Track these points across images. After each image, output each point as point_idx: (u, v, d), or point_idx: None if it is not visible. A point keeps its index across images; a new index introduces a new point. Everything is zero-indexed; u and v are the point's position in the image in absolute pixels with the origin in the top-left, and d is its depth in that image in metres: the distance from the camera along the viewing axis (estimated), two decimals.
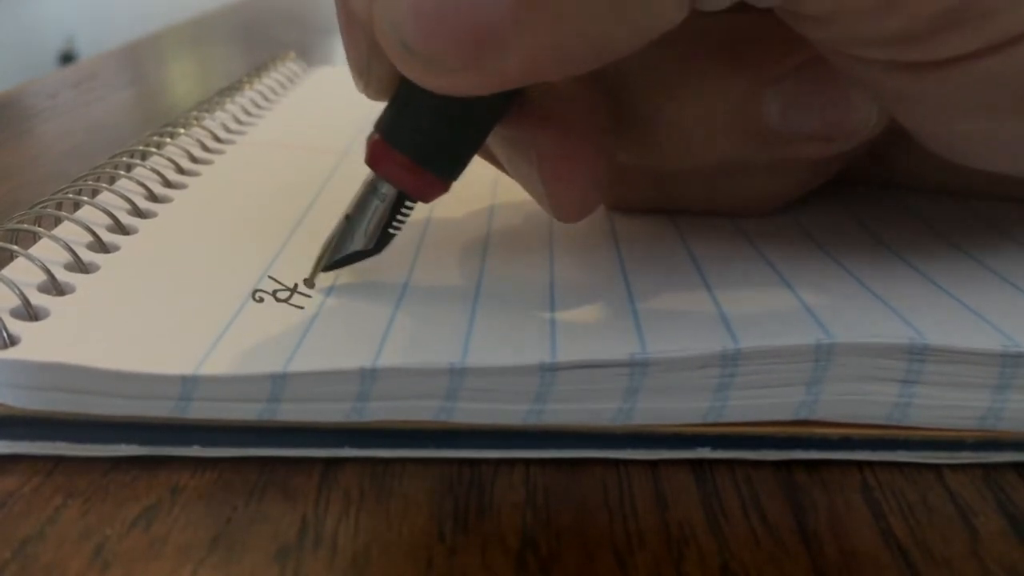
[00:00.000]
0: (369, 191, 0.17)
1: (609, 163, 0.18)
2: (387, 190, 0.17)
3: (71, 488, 0.14)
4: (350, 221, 0.17)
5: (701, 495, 0.14)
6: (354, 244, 0.17)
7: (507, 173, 0.20)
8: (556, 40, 0.14)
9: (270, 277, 0.18)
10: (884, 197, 0.23)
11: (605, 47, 0.14)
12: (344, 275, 0.18)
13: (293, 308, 0.17)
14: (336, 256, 0.18)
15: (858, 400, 0.15)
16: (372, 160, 0.17)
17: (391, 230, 0.17)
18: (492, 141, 0.18)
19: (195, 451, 0.15)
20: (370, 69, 0.16)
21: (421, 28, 0.14)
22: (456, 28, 0.14)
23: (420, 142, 0.16)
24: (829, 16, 0.14)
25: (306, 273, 0.18)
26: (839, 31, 0.15)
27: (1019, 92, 0.15)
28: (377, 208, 0.17)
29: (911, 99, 0.16)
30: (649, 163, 0.20)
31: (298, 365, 0.15)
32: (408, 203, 0.17)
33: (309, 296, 0.17)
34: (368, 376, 0.15)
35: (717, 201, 0.21)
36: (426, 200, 0.17)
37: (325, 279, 0.18)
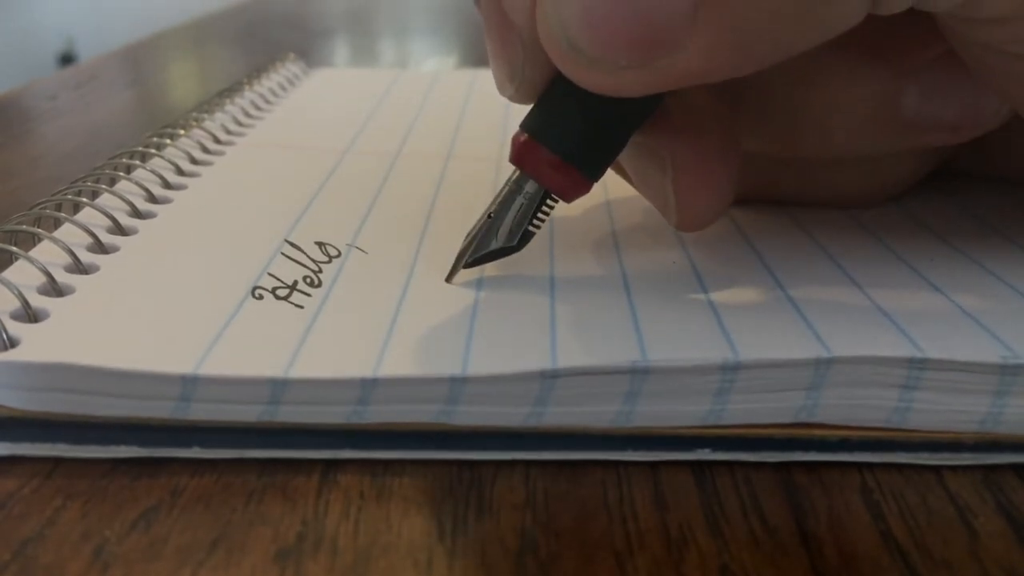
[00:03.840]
0: (513, 189, 0.18)
1: (737, 173, 0.18)
2: (531, 188, 0.17)
3: (71, 490, 0.14)
4: (493, 218, 0.18)
5: (701, 497, 0.14)
6: (497, 241, 0.18)
7: (628, 180, 0.20)
8: (736, 39, 0.14)
9: (270, 274, 0.18)
10: (882, 204, 0.23)
11: (785, 45, 0.14)
12: (341, 281, 0.18)
13: (293, 307, 0.17)
14: (478, 253, 0.18)
15: (858, 404, 0.15)
16: (519, 158, 0.17)
17: (531, 228, 0.18)
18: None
19: (195, 452, 0.15)
20: (523, 72, 0.17)
21: (592, 27, 0.14)
22: (630, 27, 0.14)
23: (568, 141, 0.17)
24: (1007, 17, 0.14)
25: (308, 273, 0.18)
26: (1009, 31, 0.15)
27: None
28: (521, 206, 0.18)
29: None
30: (777, 152, 0.20)
31: (299, 370, 0.15)
32: (549, 202, 0.18)
33: (309, 295, 0.17)
34: (368, 384, 0.15)
35: (832, 191, 0.21)
36: (568, 199, 0.17)
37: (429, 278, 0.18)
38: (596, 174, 0.17)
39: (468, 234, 0.18)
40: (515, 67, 0.17)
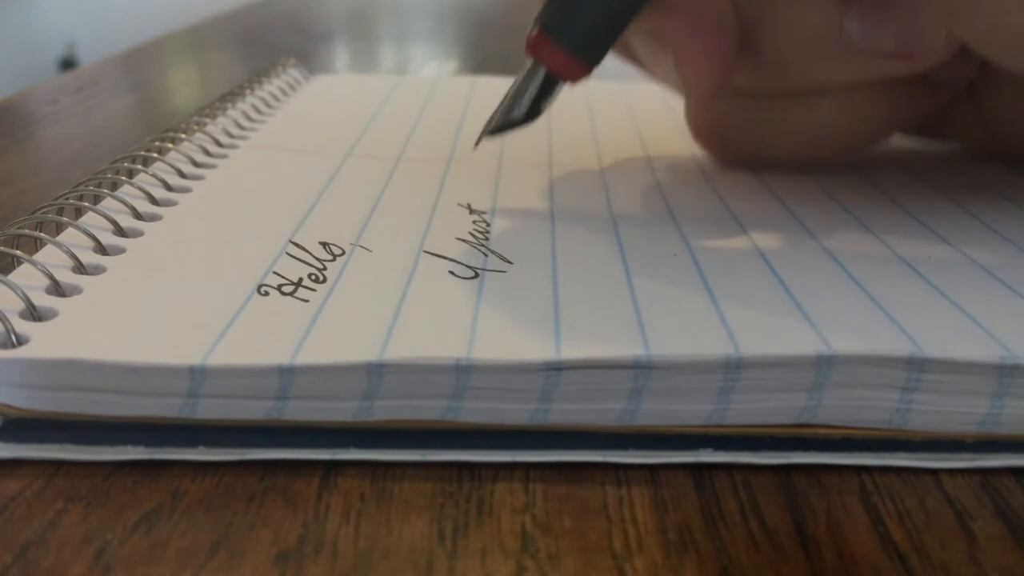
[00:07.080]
0: (529, 74, 0.21)
1: (733, 45, 0.22)
2: (542, 73, 0.21)
3: (72, 493, 0.14)
4: (511, 98, 0.22)
5: (700, 500, 0.14)
6: (512, 115, 0.22)
7: (645, 68, 0.24)
8: None
9: (275, 273, 0.18)
10: (880, 202, 0.23)
11: None
12: (346, 277, 0.18)
13: (298, 301, 0.17)
14: (496, 124, 0.22)
15: (859, 405, 0.15)
16: (530, 46, 0.21)
17: (541, 106, 0.22)
18: (634, 38, 0.23)
19: (200, 452, 0.15)
20: None
21: None
22: None
23: (571, 34, 0.21)
24: None
25: (313, 270, 0.18)
26: None
27: None
28: (532, 87, 0.21)
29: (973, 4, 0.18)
30: (746, 82, 0.23)
31: (305, 357, 0.15)
32: (557, 84, 0.21)
33: (315, 290, 0.17)
34: (375, 371, 0.15)
35: (812, 134, 0.23)
36: (572, 81, 0.21)
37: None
38: (594, 60, 0.21)
39: (492, 112, 0.22)
40: None
